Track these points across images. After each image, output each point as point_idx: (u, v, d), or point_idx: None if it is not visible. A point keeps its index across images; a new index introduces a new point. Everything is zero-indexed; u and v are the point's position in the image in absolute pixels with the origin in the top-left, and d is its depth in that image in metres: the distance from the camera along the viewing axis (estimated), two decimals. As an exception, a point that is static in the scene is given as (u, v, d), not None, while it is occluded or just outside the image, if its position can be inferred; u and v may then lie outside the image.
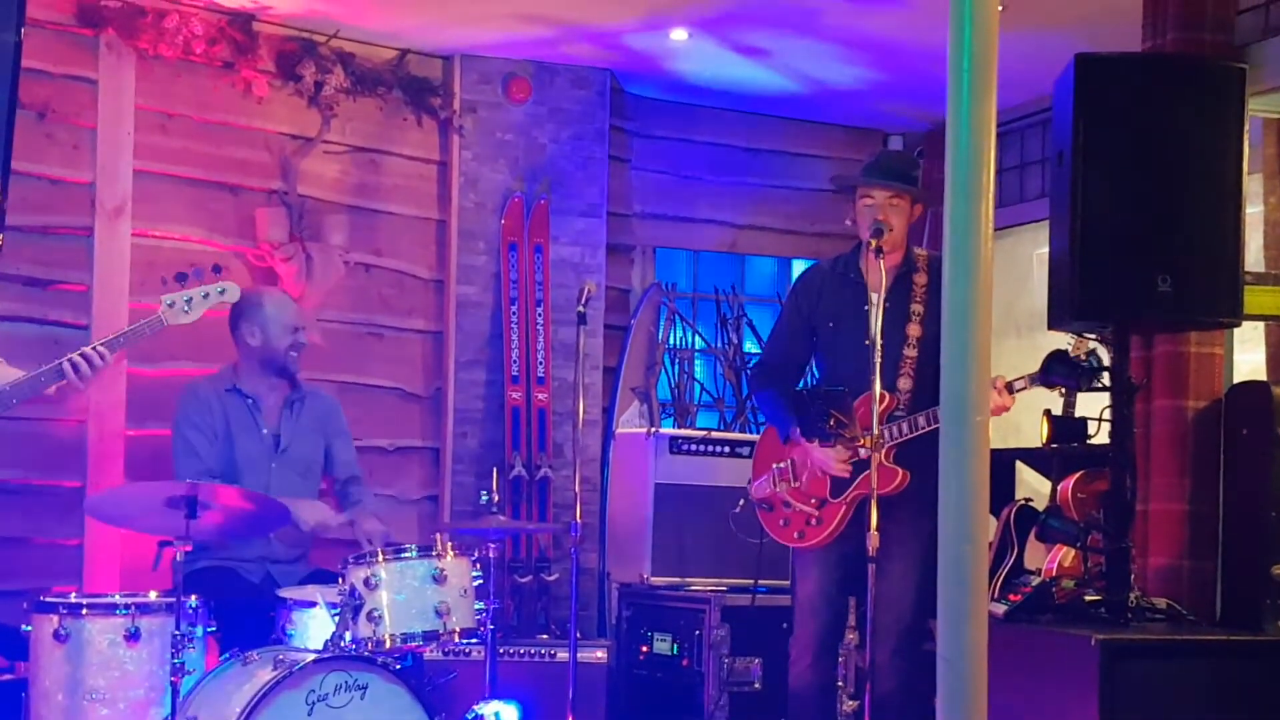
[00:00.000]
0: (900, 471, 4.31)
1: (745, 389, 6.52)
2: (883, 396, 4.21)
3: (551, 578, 5.91)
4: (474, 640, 4.39)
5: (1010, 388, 4.22)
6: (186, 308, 4.02)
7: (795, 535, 4.54)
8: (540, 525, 5.83)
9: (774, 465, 4.58)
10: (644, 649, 5.54)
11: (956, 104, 2.28)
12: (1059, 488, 5.00)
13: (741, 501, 4.74)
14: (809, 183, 6.88)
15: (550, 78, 6.19)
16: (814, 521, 4.48)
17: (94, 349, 3.81)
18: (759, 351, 6.65)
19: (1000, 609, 4.15)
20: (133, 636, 4.03)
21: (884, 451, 4.28)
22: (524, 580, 5.87)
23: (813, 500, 4.48)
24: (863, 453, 4.29)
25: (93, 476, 5.17)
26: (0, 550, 4.96)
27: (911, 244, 4.62)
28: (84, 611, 4.04)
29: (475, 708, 4.49)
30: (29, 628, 4.07)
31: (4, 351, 3.95)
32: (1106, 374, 4.18)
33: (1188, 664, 3.91)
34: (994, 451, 2.36)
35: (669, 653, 5.45)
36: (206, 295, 4.06)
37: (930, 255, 4.57)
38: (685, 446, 5.70)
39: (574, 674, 4.70)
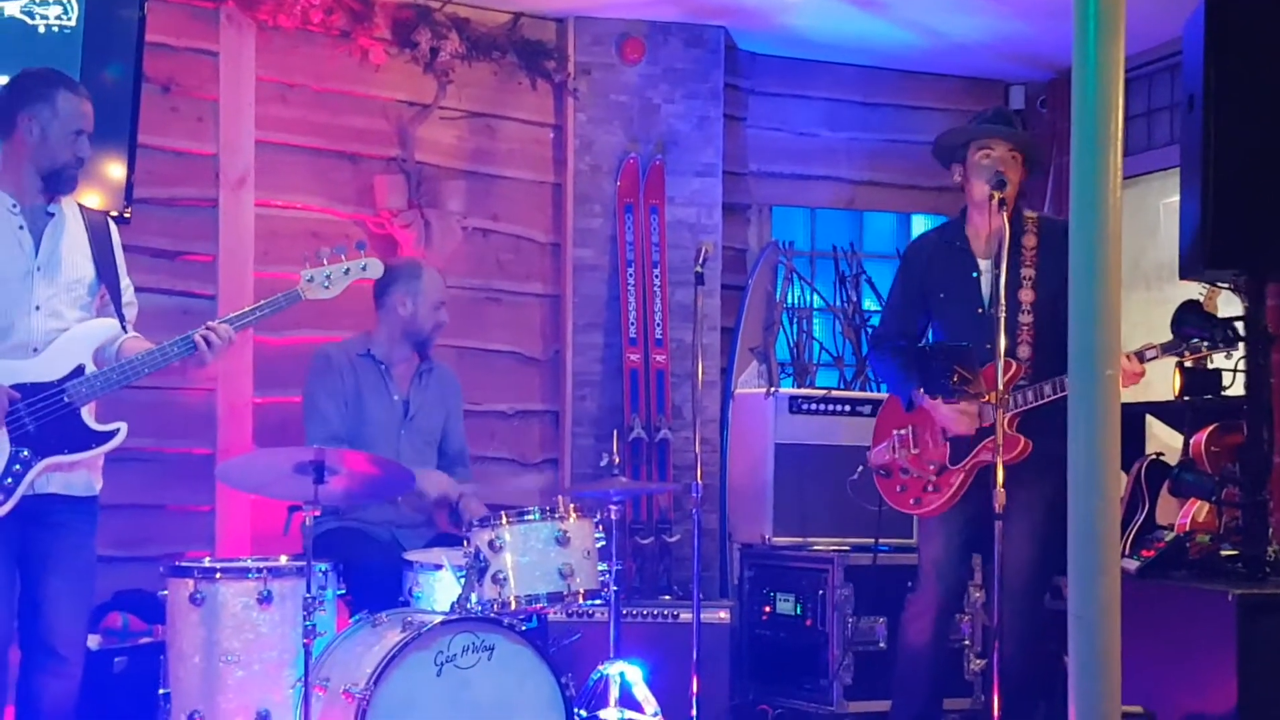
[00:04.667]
0: (1023, 440, 4.21)
1: (865, 347, 6.46)
2: (1009, 364, 4.15)
3: (673, 539, 5.92)
4: (598, 601, 4.42)
5: (1141, 357, 4.10)
6: (326, 283, 4.02)
7: (911, 501, 4.48)
8: (661, 486, 5.84)
9: (895, 432, 4.52)
10: (766, 609, 5.53)
11: (1083, 50, 2.23)
12: (1192, 441, 4.89)
13: (860, 468, 4.70)
14: (927, 136, 6.71)
15: (664, 37, 6.16)
16: (930, 488, 4.42)
17: (224, 323, 3.85)
18: (878, 309, 6.59)
19: (1133, 565, 4.08)
20: (265, 600, 4.11)
21: (1007, 419, 4.20)
22: (645, 542, 5.89)
23: (931, 466, 4.42)
24: (987, 420, 4.20)
25: (223, 443, 5.28)
26: (136, 517, 5.08)
27: (1021, 205, 4.51)
28: (217, 576, 4.13)
29: (600, 668, 4.52)
30: (165, 592, 4.18)
31: (135, 321, 4.02)
32: (1241, 325, 4.07)
33: (1328, 620, 3.81)
34: (1123, 405, 2.32)
35: (792, 613, 5.43)
36: (348, 271, 4.05)
37: (1039, 217, 4.47)
38: (805, 406, 5.67)
39: (698, 634, 4.71)
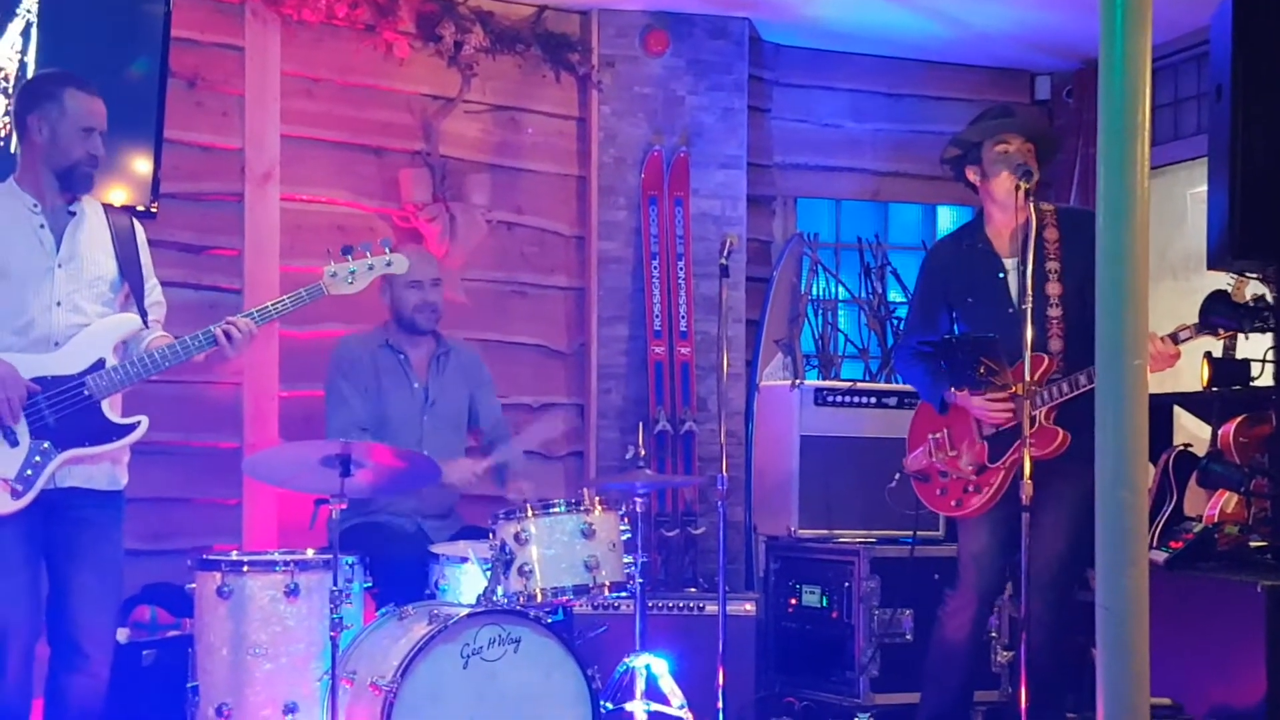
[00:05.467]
0: (1061, 432, 4.19)
1: (890, 339, 6.44)
2: (1041, 359, 4.13)
3: (698, 531, 5.92)
4: (623, 594, 4.41)
5: (1175, 339, 4.07)
6: (350, 279, 4.04)
7: (953, 504, 4.46)
8: (686, 479, 5.84)
9: (930, 436, 4.49)
10: (792, 602, 5.52)
11: (1110, 39, 2.22)
12: (1220, 432, 4.86)
13: (896, 476, 4.67)
14: (953, 127, 6.69)
15: (688, 29, 6.15)
16: (971, 489, 4.39)
17: (244, 317, 3.87)
18: (904, 301, 6.57)
19: (1161, 556, 4.06)
20: (292, 593, 4.13)
21: (1043, 412, 4.18)
22: (670, 534, 5.89)
23: (970, 467, 4.39)
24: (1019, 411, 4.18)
25: (249, 437, 5.30)
26: (163, 510, 5.10)
27: (1037, 200, 4.48)
28: (245, 569, 4.15)
29: (626, 660, 4.52)
30: (193, 585, 4.20)
31: (163, 319, 4.04)
32: (1269, 314, 4.04)
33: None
34: (1151, 396, 2.31)
35: (818, 605, 5.42)
36: (372, 267, 4.07)
37: (1058, 208, 4.44)
38: (830, 398, 5.65)
39: (724, 627, 4.71)
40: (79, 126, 3.79)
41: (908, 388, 5.39)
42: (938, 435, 4.45)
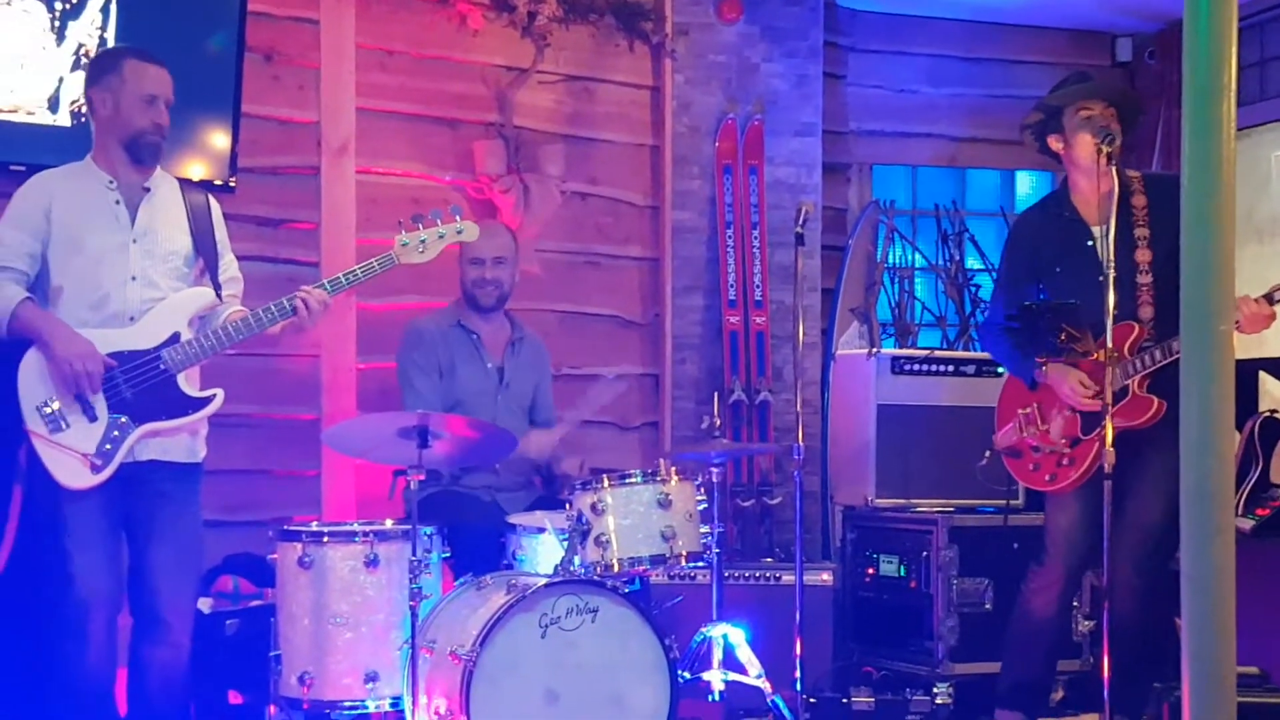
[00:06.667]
0: (1155, 400, 4.14)
1: (968, 306, 6.38)
2: (1132, 327, 4.07)
3: (774, 501, 5.91)
4: (700, 564, 4.42)
5: (1270, 299, 4.00)
6: (421, 248, 4.03)
7: (1046, 479, 4.40)
8: (762, 448, 5.82)
9: (1019, 411, 4.44)
10: (870, 571, 5.50)
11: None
12: (1306, 399, 4.77)
13: (987, 453, 4.63)
14: (1032, 91, 6.62)
15: (762, -5, 6.11)
16: (1066, 462, 4.34)
17: (318, 288, 3.90)
18: (981, 268, 6.51)
19: (1247, 524, 4.00)
20: (372, 563, 4.16)
21: (1136, 381, 4.13)
22: (746, 504, 5.88)
23: (1064, 441, 4.34)
24: (1115, 384, 4.12)
25: (327, 409, 5.35)
26: (244, 482, 5.16)
27: (1123, 167, 4.41)
28: (325, 539, 4.19)
29: (703, 630, 4.53)
30: (274, 556, 4.25)
31: (240, 295, 4.08)
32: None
33: None
34: (1236, 362, 2.27)
35: (895, 575, 5.39)
36: (442, 235, 4.06)
37: (1144, 175, 4.37)
38: (907, 367, 5.61)
39: (800, 597, 4.69)
40: (140, 95, 3.81)
41: (986, 355, 5.34)
42: (1027, 410, 4.40)
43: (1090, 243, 4.31)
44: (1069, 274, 4.36)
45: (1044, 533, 4.47)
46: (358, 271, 3.97)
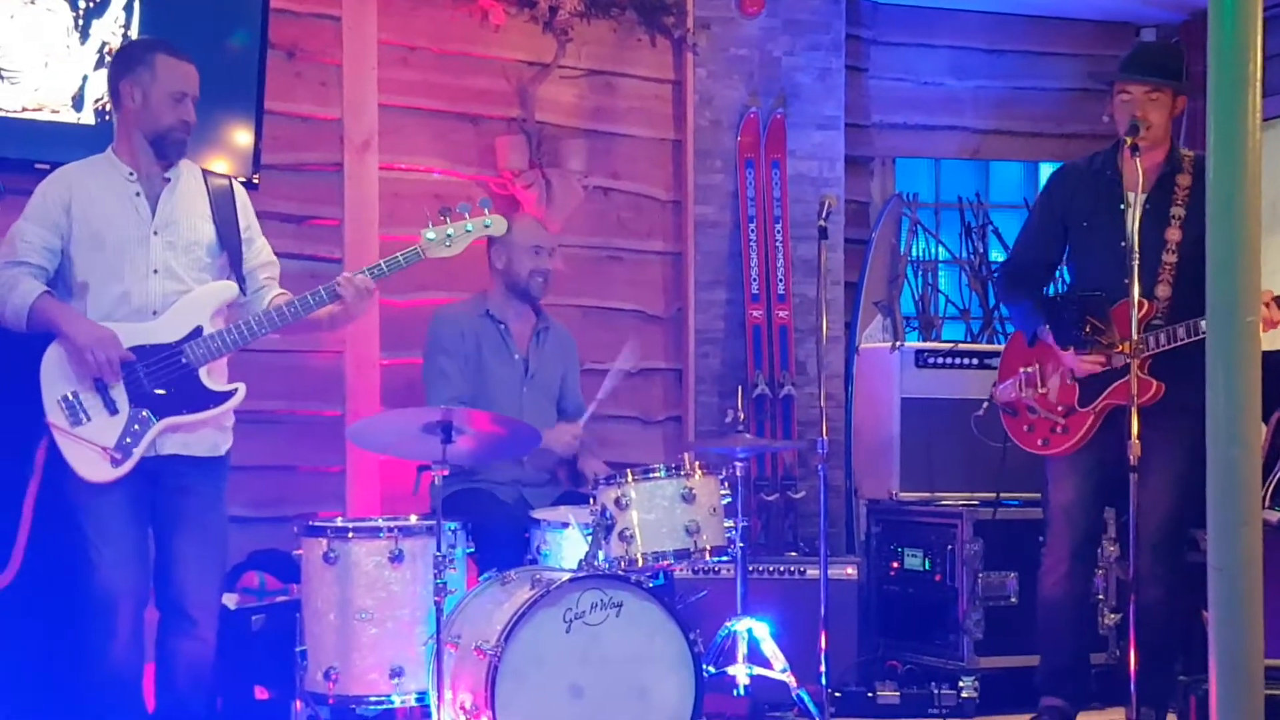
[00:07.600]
0: (1155, 383, 4.13)
1: (992, 300, 6.36)
2: (1141, 303, 4.05)
3: (798, 495, 5.90)
4: (724, 558, 4.41)
5: None
6: (448, 241, 4.01)
7: (1039, 442, 4.42)
8: (786, 443, 5.82)
9: (1020, 369, 4.45)
10: (894, 565, 5.49)
11: (1219, -14, 2.17)
12: (1333, 391, 4.74)
13: (985, 404, 4.64)
14: (1056, 83, 6.63)
15: (783, -11, 6.10)
16: (1059, 429, 4.34)
17: (360, 274, 3.90)
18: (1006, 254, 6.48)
19: (1274, 516, 3.98)
20: (396, 558, 4.17)
21: (1136, 362, 4.11)
22: (770, 498, 5.88)
23: (1060, 408, 4.35)
24: (1116, 360, 4.13)
25: (351, 405, 5.35)
26: (269, 478, 5.17)
27: (1177, 142, 4.39)
28: (350, 535, 4.20)
29: (727, 624, 4.53)
30: (300, 551, 4.26)
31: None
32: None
33: None
34: (1263, 353, 2.26)
35: (920, 568, 5.39)
36: (470, 229, 4.04)
37: (1196, 156, 4.33)
38: (931, 360, 5.60)
39: (825, 591, 4.69)
40: (170, 91, 3.80)
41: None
42: (1029, 369, 4.41)
43: (1123, 206, 4.28)
44: (1093, 232, 4.36)
45: (1045, 511, 4.47)
46: (383, 265, 3.97)
